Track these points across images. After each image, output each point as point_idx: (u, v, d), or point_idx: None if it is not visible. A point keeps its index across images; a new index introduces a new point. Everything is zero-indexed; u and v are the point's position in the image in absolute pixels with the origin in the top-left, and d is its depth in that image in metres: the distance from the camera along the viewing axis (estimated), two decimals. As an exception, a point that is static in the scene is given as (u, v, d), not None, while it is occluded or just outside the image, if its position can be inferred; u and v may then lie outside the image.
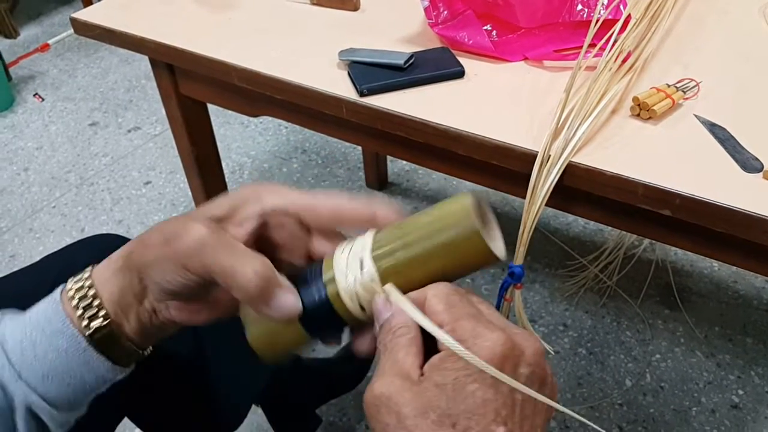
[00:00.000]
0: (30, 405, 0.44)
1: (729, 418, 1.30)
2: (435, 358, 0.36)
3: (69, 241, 1.56)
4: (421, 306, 0.39)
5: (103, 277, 0.44)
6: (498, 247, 0.41)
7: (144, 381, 0.84)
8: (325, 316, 0.42)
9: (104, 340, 0.44)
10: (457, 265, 0.40)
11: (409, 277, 0.41)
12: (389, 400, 0.35)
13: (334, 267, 0.42)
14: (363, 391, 1.24)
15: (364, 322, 0.43)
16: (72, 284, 0.44)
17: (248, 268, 0.39)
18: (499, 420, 0.34)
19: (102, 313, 0.43)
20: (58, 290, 0.45)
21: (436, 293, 0.39)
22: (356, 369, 1.33)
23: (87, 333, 0.43)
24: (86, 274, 0.45)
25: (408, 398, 0.35)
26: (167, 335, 0.48)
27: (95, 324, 0.43)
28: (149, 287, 0.43)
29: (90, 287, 0.44)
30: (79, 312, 0.43)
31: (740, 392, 1.34)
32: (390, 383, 0.35)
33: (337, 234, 0.46)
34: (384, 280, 0.41)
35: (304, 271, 0.44)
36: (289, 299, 0.41)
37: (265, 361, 0.45)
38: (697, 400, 1.33)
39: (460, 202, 0.40)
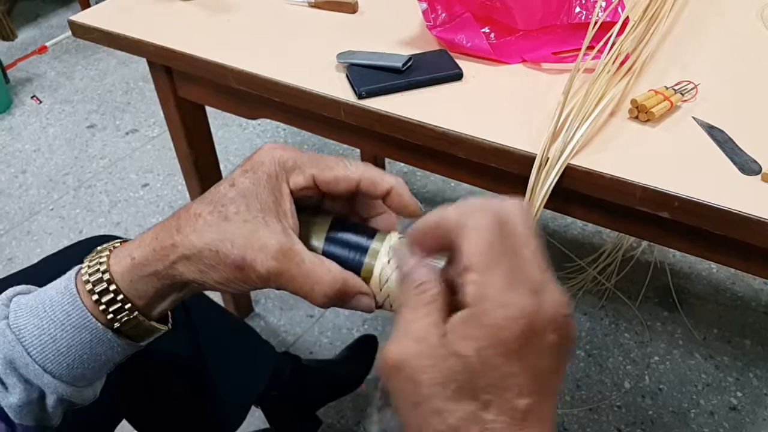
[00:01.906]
0: (61, 395, 0.44)
1: (727, 420, 1.30)
2: (457, 320, 0.33)
3: (67, 243, 1.56)
4: (456, 234, 0.35)
5: (127, 278, 0.43)
6: None
7: (143, 383, 0.85)
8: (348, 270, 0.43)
9: (130, 328, 0.44)
10: None
11: None
12: (405, 367, 0.33)
13: (380, 255, 0.42)
14: (361, 394, 1.24)
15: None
16: (88, 276, 0.43)
17: (321, 291, 0.40)
18: (523, 394, 0.32)
19: (128, 306, 0.43)
20: (70, 281, 0.44)
21: (479, 229, 0.34)
22: (356, 371, 1.33)
23: (114, 325, 0.43)
24: (102, 267, 0.43)
25: (425, 365, 0.33)
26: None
27: (122, 316, 0.43)
28: (198, 286, 0.43)
29: (110, 282, 0.43)
30: (102, 306, 0.42)
31: (739, 394, 1.34)
32: (406, 348, 0.34)
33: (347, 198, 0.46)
34: None
35: (358, 225, 0.44)
36: (362, 303, 0.42)
37: None
38: (696, 402, 1.33)
39: None
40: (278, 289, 0.41)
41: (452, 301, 0.35)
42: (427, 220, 0.37)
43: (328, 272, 0.40)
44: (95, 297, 0.42)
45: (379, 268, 0.42)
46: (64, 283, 0.44)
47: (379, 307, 0.43)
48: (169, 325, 0.47)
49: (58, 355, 0.43)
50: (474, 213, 0.35)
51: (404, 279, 0.37)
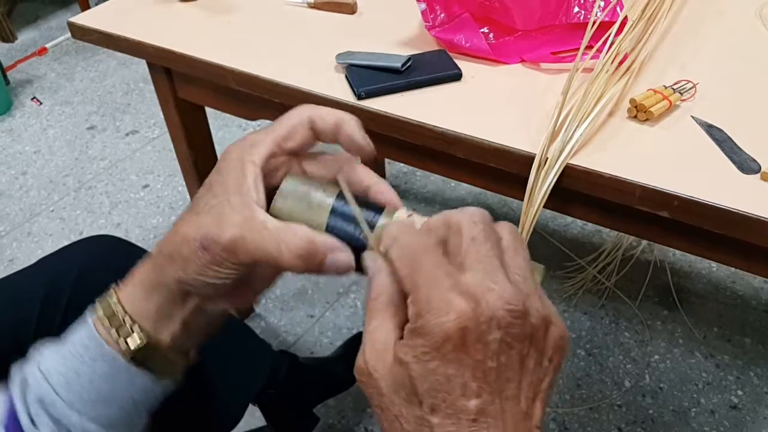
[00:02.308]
0: None
1: (728, 419, 1.30)
2: (405, 331, 0.35)
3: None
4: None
5: (131, 299, 0.44)
6: None
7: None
8: (349, 246, 0.42)
9: (144, 356, 0.44)
10: None
11: None
12: (370, 376, 0.35)
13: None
14: (361, 391, 1.24)
15: None
16: (99, 308, 0.44)
17: (289, 252, 0.39)
18: (468, 393, 0.33)
19: (137, 330, 0.43)
20: (88, 315, 0.45)
21: (400, 252, 0.36)
22: (353, 368, 1.33)
23: (126, 353, 0.43)
24: (112, 298, 0.44)
25: (382, 374, 0.35)
26: (214, 330, 0.47)
27: (132, 343, 0.43)
28: (193, 291, 0.43)
29: (117, 306, 0.44)
30: (113, 333, 0.43)
31: (739, 393, 1.34)
32: (370, 357, 0.35)
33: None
34: None
35: (364, 201, 0.43)
36: (340, 261, 0.41)
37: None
38: (696, 400, 1.33)
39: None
40: (251, 265, 0.40)
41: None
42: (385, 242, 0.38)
43: (294, 234, 0.40)
44: (106, 323, 0.43)
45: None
46: (85, 320, 0.45)
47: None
48: (191, 356, 0.47)
49: (82, 391, 0.43)
50: (396, 239, 0.37)
51: (367, 287, 0.38)
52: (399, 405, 0.34)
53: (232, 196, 0.40)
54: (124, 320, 0.43)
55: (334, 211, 0.42)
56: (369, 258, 0.39)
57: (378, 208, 0.42)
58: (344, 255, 0.41)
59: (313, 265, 0.40)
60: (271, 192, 0.43)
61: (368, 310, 0.37)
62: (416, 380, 0.33)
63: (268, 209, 0.42)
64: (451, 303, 0.33)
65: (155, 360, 0.44)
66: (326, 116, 0.43)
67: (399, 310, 0.36)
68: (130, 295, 0.44)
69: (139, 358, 0.44)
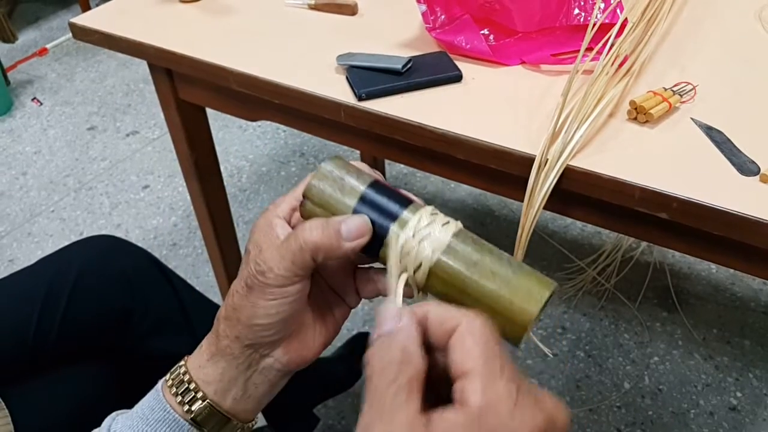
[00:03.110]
0: None
1: (727, 420, 1.30)
2: (449, 418, 0.31)
3: (67, 245, 1.56)
4: (448, 335, 0.34)
5: (196, 365, 0.47)
6: (527, 334, 0.40)
7: (139, 382, 0.85)
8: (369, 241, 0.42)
9: (206, 419, 0.46)
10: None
11: (445, 290, 0.40)
12: None
13: (407, 227, 0.41)
14: (360, 392, 1.25)
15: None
16: (169, 375, 0.47)
17: (309, 233, 0.41)
18: None
19: (200, 395, 0.46)
20: (160, 382, 0.48)
21: (473, 331, 0.33)
22: (353, 368, 1.33)
23: (189, 417, 0.46)
24: (181, 363, 0.48)
25: None
26: (273, 394, 0.49)
27: (195, 407, 0.46)
28: (251, 343, 0.45)
29: (185, 373, 0.47)
30: (179, 399, 0.46)
31: (738, 394, 1.34)
32: None
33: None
34: (429, 275, 0.40)
35: (394, 192, 0.44)
36: (351, 224, 0.41)
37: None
38: (696, 402, 1.33)
39: (540, 292, 0.39)
40: (291, 280, 0.42)
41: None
42: (421, 310, 0.36)
43: (311, 221, 0.42)
44: (173, 390, 0.46)
45: (403, 239, 0.41)
46: (156, 386, 0.48)
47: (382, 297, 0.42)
48: (252, 424, 0.49)
49: None
50: (464, 315, 0.34)
51: (388, 336, 0.34)
52: None
53: (263, 244, 0.44)
54: (189, 385, 0.46)
55: (363, 198, 0.43)
56: (391, 310, 0.36)
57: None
58: (356, 219, 0.41)
59: (333, 238, 0.41)
60: None
61: (387, 368, 0.33)
62: None
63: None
64: (531, 415, 0.31)
65: (214, 422, 0.47)
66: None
67: (422, 381, 0.33)
68: (196, 362, 0.47)
69: (200, 420, 0.46)
